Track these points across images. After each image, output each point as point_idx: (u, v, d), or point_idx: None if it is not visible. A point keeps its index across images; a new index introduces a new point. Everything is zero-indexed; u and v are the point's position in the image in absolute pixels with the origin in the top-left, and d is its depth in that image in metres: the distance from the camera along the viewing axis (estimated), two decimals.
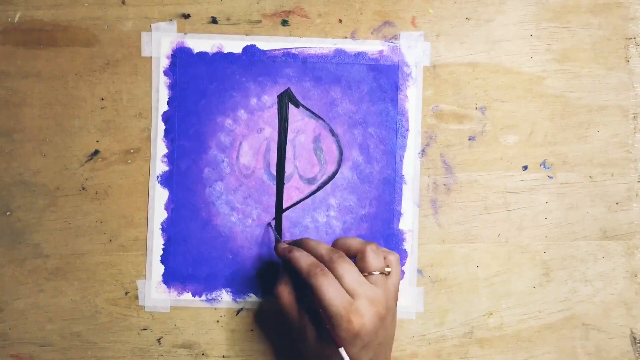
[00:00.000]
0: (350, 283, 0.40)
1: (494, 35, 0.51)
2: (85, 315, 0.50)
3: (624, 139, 0.51)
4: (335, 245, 0.44)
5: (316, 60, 0.50)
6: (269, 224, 0.50)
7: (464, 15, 0.51)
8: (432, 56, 0.51)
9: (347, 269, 0.40)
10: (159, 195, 0.50)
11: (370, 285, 0.41)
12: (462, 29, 0.51)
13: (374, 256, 0.42)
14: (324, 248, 0.42)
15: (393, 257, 0.43)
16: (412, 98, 0.51)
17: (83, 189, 0.50)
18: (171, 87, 0.50)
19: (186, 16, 0.50)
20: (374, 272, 0.41)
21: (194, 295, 0.50)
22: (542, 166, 0.51)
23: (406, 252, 0.50)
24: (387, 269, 0.42)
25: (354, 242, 0.43)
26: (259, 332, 0.50)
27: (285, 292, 0.43)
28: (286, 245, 0.44)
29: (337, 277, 0.40)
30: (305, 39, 0.51)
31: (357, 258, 0.43)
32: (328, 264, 0.41)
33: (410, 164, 0.50)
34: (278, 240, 0.49)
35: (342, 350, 0.38)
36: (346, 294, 0.40)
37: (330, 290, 0.39)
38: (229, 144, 0.50)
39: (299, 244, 0.44)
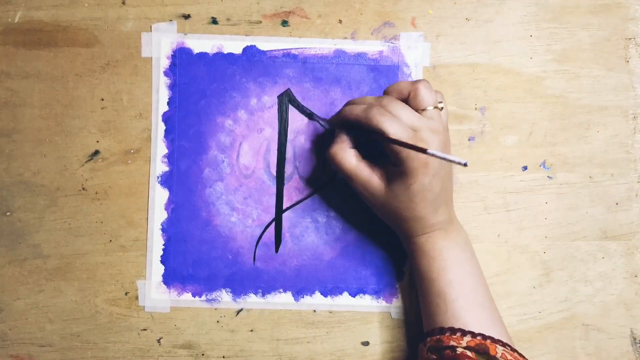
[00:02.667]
0: (408, 119, 0.41)
1: (494, 35, 0.51)
2: (85, 315, 0.50)
3: (624, 139, 0.51)
4: (386, 93, 0.44)
5: (316, 60, 0.51)
6: (316, 117, 0.50)
7: (464, 16, 0.51)
8: (432, 57, 0.51)
9: (401, 107, 0.41)
10: (159, 196, 0.50)
11: (427, 118, 0.41)
12: (462, 30, 0.51)
13: (427, 91, 0.42)
14: (371, 98, 0.44)
15: (441, 93, 0.44)
16: None
17: (83, 189, 0.50)
18: (171, 87, 0.50)
19: (186, 16, 0.50)
20: (428, 108, 0.42)
21: (194, 295, 0.50)
22: (541, 166, 0.51)
23: (406, 252, 0.50)
24: (440, 104, 0.43)
25: (404, 84, 0.43)
26: (259, 332, 0.50)
27: (340, 150, 0.43)
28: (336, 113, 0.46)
29: (395, 117, 0.41)
30: (305, 39, 0.51)
31: (410, 97, 0.43)
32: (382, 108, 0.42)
33: None
34: (325, 124, 0.50)
35: (432, 151, 0.37)
36: (408, 127, 0.40)
37: (393, 125, 0.40)
38: (229, 144, 0.50)
39: (345, 106, 0.45)
